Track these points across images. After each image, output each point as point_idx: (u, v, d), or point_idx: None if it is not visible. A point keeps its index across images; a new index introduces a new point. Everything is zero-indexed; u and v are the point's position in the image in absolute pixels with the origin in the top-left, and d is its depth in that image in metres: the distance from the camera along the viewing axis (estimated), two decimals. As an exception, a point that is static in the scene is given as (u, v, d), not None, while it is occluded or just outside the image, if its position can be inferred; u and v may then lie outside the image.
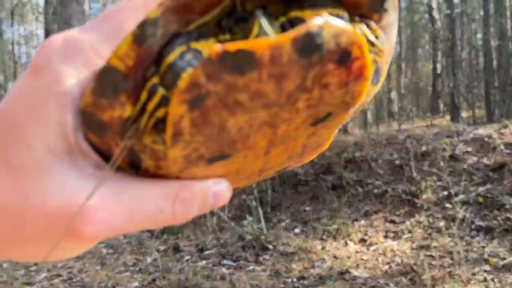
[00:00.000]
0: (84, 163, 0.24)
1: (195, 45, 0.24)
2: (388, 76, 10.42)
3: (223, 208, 4.08)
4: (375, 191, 4.22)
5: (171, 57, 0.24)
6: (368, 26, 0.27)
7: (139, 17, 0.24)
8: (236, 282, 2.94)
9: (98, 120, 0.25)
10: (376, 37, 0.27)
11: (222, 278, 3.06)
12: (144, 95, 0.24)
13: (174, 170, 0.25)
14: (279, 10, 0.26)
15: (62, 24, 4.64)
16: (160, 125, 0.24)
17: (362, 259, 3.36)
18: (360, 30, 0.26)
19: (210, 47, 0.22)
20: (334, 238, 3.70)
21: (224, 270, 3.21)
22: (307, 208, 4.25)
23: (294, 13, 0.25)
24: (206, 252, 3.53)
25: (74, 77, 0.25)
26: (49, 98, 0.24)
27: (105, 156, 0.25)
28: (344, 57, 0.23)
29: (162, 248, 3.73)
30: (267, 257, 3.44)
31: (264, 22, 0.24)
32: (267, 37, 0.23)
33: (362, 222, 3.91)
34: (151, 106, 0.24)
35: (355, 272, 3.13)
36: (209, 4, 0.25)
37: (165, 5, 0.24)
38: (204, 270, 3.17)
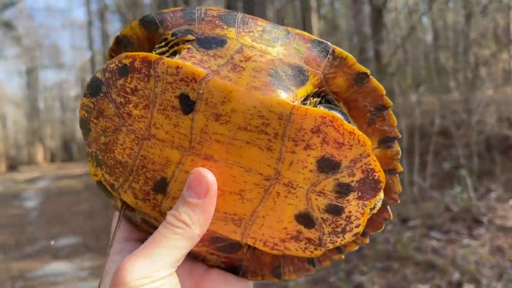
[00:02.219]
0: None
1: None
2: None
3: (423, 176, 3.82)
4: None
5: None
6: None
7: None
8: (453, 256, 2.73)
9: None
10: None
11: (435, 251, 2.88)
12: None
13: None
14: None
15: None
16: None
17: None
18: None
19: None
20: None
21: (433, 243, 3.02)
22: (524, 177, 3.69)
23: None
24: (410, 223, 3.37)
25: None
26: None
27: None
28: None
29: (359, 216, 3.69)
30: (482, 231, 3.11)
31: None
32: None
33: None
34: None
35: None
36: None
37: None
38: (412, 242, 3.02)
